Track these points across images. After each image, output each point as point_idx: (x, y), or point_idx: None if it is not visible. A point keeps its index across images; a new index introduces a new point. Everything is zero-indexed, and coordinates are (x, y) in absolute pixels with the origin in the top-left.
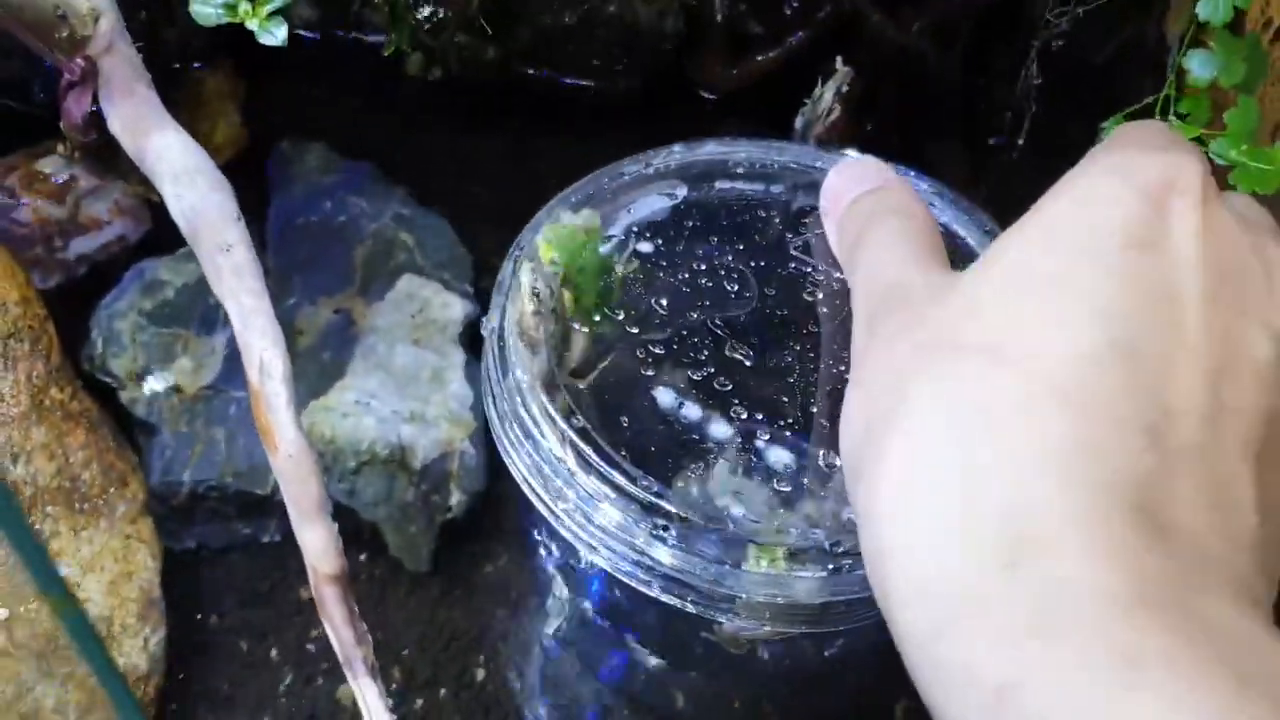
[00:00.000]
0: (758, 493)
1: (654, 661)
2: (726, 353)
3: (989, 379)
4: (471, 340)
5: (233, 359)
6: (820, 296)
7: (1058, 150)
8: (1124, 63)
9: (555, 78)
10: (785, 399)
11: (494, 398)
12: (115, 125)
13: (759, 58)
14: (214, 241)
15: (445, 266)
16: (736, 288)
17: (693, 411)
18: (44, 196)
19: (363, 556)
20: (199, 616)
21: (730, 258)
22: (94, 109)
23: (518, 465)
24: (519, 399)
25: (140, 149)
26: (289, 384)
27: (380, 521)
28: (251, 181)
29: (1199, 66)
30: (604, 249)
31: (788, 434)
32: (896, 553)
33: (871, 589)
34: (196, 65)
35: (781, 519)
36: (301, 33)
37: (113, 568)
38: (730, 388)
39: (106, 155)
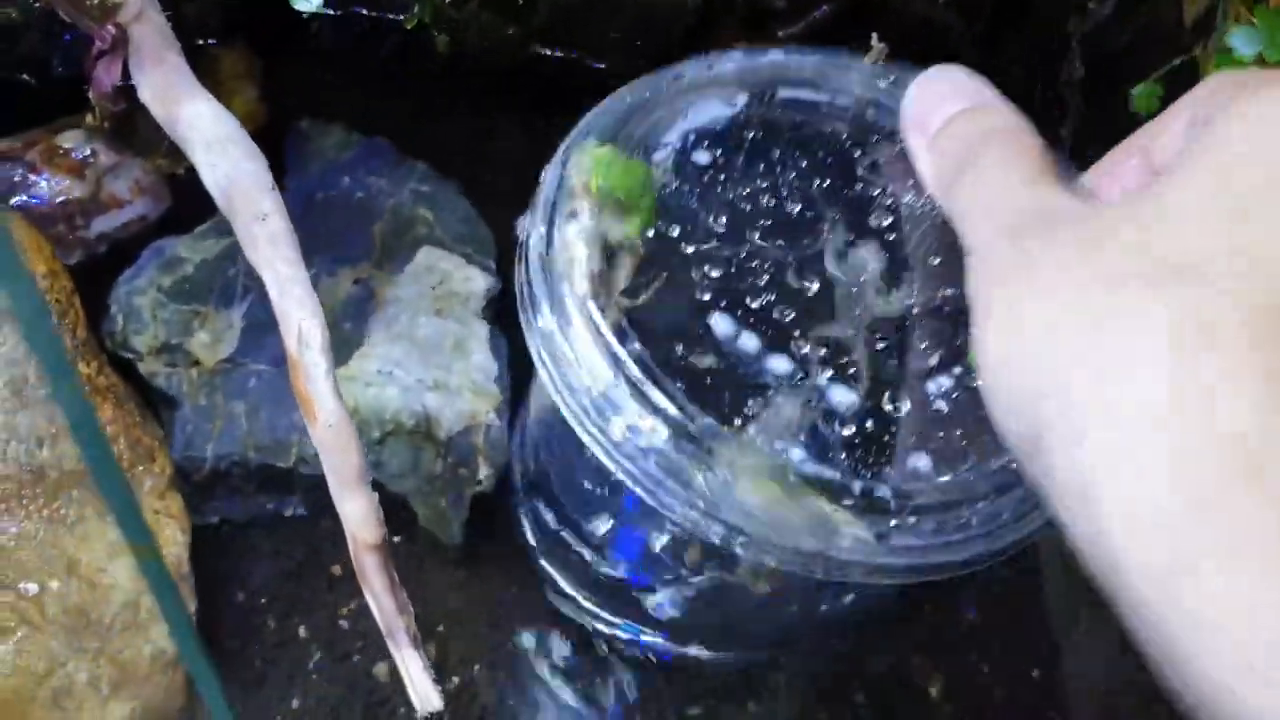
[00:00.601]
0: (817, 435)
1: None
2: (789, 280)
3: (1207, 300)
4: (495, 315)
5: (250, 332)
6: (892, 222)
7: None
8: (1143, 48)
9: (573, 58)
10: (851, 333)
11: (533, 314)
12: (146, 93)
13: (780, 33)
14: (250, 210)
15: (466, 241)
16: (799, 208)
17: (750, 343)
18: (64, 172)
19: (398, 534)
20: (225, 593)
21: (794, 175)
22: (124, 78)
23: (559, 390)
24: (564, 317)
25: (172, 117)
26: (327, 353)
27: (409, 493)
28: (269, 158)
29: (1243, 43)
30: (658, 156)
31: (852, 372)
32: (1123, 483)
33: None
34: (212, 42)
35: (843, 466)
36: (327, 10)
37: None
38: (792, 318)
39: (126, 131)
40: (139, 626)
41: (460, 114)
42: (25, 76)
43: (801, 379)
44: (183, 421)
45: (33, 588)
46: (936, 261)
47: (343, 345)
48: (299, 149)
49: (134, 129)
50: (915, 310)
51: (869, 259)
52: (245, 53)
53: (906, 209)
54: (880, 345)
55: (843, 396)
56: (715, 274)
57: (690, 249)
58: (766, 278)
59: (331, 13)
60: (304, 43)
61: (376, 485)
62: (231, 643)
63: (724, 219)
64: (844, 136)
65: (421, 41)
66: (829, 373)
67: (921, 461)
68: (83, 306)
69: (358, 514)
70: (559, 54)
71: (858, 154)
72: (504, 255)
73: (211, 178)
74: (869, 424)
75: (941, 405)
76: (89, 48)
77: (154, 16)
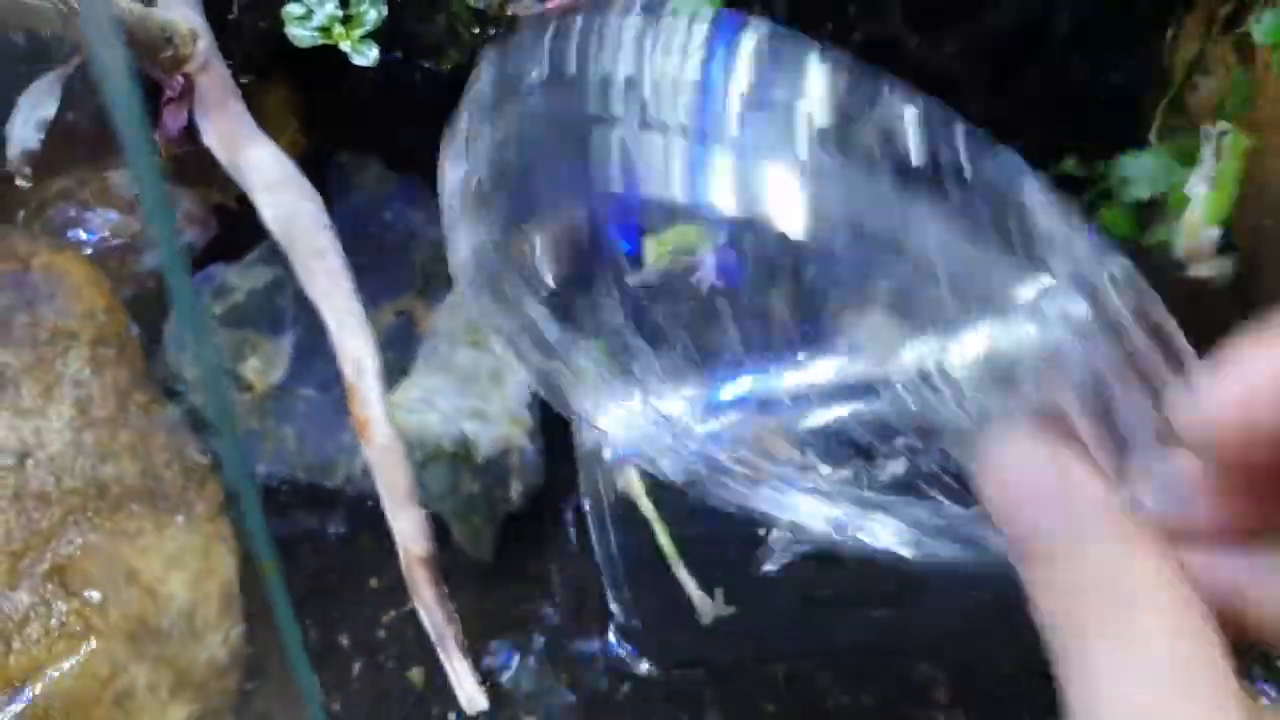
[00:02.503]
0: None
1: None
2: None
3: None
4: None
5: (300, 359)
6: None
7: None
8: (1135, 89)
9: None
10: None
11: None
12: (210, 139)
13: None
14: (308, 247)
15: None
16: None
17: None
18: (115, 208)
19: (437, 551)
20: (268, 606)
21: None
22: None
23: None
24: None
25: (234, 161)
26: (381, 380)
27: (446, 513)
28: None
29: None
30: None
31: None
32: None
33: None
34: (256, 79)
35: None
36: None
37: (194, 564)
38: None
39: (177, 166)
40: (195, 634)
41: None
42: (79, 117)
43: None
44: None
45: (97, 596)
46: None
47: (388, 374)
48: (341, 182)
49: (183, 163)
50: None
51: None
52: (289, 89)
53: None
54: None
55: None
56: None
57: None
58: None
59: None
60: (343, 82)
61: None
62: (276, 656)
63: None
64: None
65: (456, 78)
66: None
67: None
68: (138, 339)
69: (409, 529)
70: None
71: None
72: None
73: (272, 216)
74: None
75: None
76: (158, 95)
77: (218, 66)
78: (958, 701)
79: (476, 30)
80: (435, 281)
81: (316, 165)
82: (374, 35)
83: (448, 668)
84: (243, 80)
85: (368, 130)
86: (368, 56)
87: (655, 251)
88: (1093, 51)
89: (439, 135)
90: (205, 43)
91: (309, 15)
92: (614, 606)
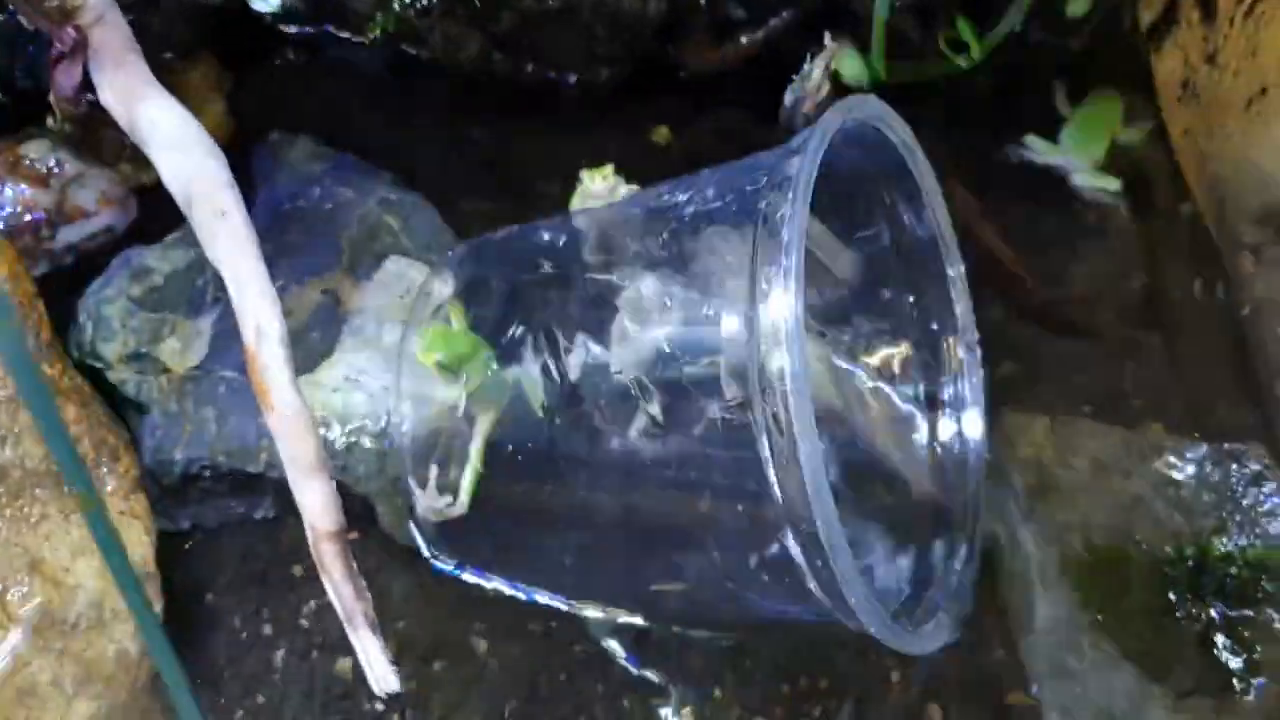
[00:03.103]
0: None
1: None
2: None
3: None
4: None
5: (219, 340)
6: None
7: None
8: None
9: (539, 71)
10: None
11: None
12: (106, 95)
13: (743, 39)
14: (209, 208)
15: (432, 249)
16: None
17: None
18: (29, 181)
19: (354, 534)
20: (194, 596)
21: None
22: (84, 80)
23: None
24: None
25: (132, 118)
26: (285, 344)
27: (372, 496)
28: (239, 171)
29: None
30: None
31: None
32: None
33: None
34: (180, 57)
35: None
36: (297, 28)
37: None
38: None
39: (92, 141)
40: (103, 626)
41: (427, 124)
42: None
43: None
44: (152, 427)
45: None
46: None
47: (311, 353)
48: (268, 161)
49: (99, 139)
50: None
51: None
52: (214, 67)
53: None
54: None
55: None
56: None
57: None
58: None
59: (300, 30)
60: (273, 57)
61: (342, 488)
62: (200, 642)
63: None
64: None
65: (389, 55)
66: None
67: None
68: (49, 314)
69: (316, 503)
70: (523, 63)
71: None
72: None
73: (171, 175)
74: None
75: None
76: (45, 59)
77: (114, 19)
78: None
79: None
80: (363, 259)
81: (246, 143)
82: None
83: (357, 647)
84: (165, 57)
85: (298, 106)
86: (269, 3)
87: None
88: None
89: (371, 109)
90: None
91: None
92: None
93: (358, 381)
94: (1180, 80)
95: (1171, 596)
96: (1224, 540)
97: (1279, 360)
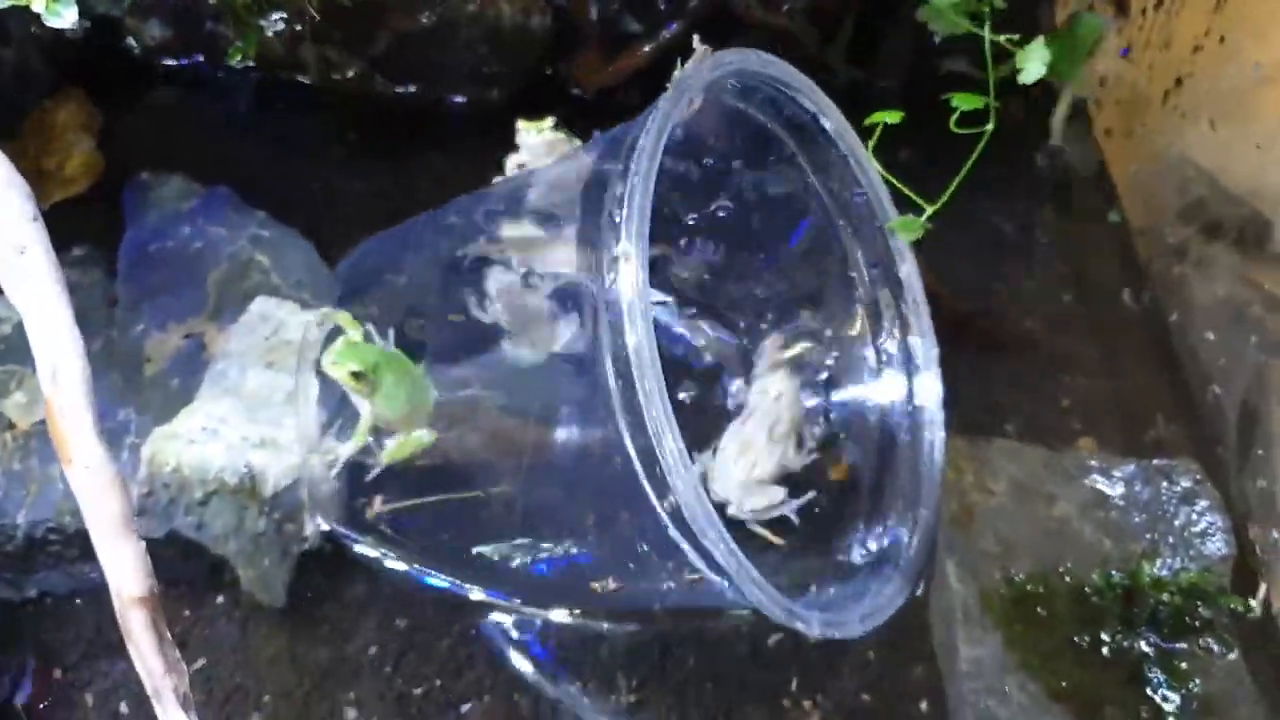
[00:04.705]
0: None
1: None
2: None
3: None
4: None
5: None
6: None
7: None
8: None
9: (424, 93)
10: None
11: None
12: None
13: (636, 53)
14: (7, 243)
15: (305, 286)
16: None
17: None
18: None
19: (219, 599)
20: (46, 670)
21: None
22: None
23: None
24: None
25: None
26: (86, 390)
27: (231, 556)
28: (108, 211)
29: None
30: None
31: None
32: None
33: None
34: (41, 94)
35: None
36: (165, 62)
37: None
38: None
39: None
40: None
41: (310, 155)
42: None
43: None
44: None
45: None
46: None
47: (169, 402)
48: (138, 200)
49: None
50: None
51: None
52: (82, 105)
53: None
54: None
55: None
56: None
57: None
58: None
59: (173, 63)
60: (146, 93)
61: (197, 549)
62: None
63: None
64: None
65: (266, 84)
66: None
67: None
68: None
69: (123, 565)
70: (407, 88)
71: None
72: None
73: None
74: None
75: None
76: None
77: None
78: None
79: (261, 20)
80: (231, 299)
81: (117, 182)
82: None
83: None
84: (29, 96)
85: (173, 142)
86: (63, 17)
87: None
88: None
89: (249, 141)
90: None
91: None
92: None
93: (216, 432)
94: (1098, 78)
95: (1101, 631)
96: (1155, 565)
97: (1209, 367)
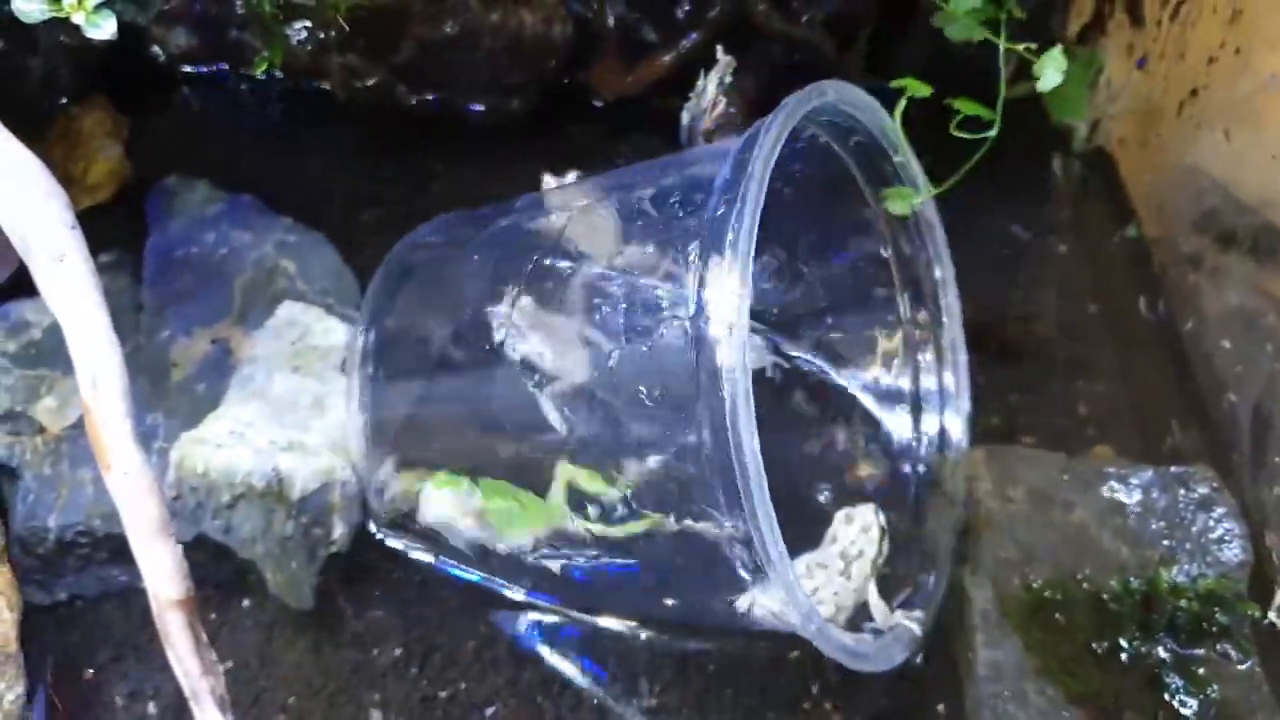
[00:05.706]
0: None
1: None
2: None
3: None
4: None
5: None
6: None
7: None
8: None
9: (446, 101)
10: None
11: None
12: None
13: (655, 62)
14: (47, 251)
15: (329, 291)
16: None
17: None
18: None
19: (246, 602)
20: (76, 671)
21: None
22: None
23: None
24: None
25: None
26: (125, 398)
27: (259, 559)
28: (134, 218)
29: None
30: None
31: None
32: None
33: None
34: (67, 101)
35: None
36: (190, 69)
37: None
38: None
39: None
40: None
41: (333, 162)
42: None
43: None
44: (24, 492)
45: None
46: None
47: (196, 407)
48: (163, 206)
49: None
50: None
51: None
52: (108, 111)
53: None
54: None
55: None
56: None
57: None
58: None
59: (198, 69)
60: (172, 99)
61: (225, 552)
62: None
63: None
64: None
65: (291, 91)
66: None
67: None
68: None
69: (159, 569)
70: (429, 93)
71: None
72: None
73: (6, 217)
74: None
75: None
76: None
77: None
78: None
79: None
80: (256, 305)
81: (143, 189)
82: (108, 4)
83: None
84: (60, 102)
85: (198, 149)
86: (103, 29)
87: None
88: None
89: (274, 148)
90: None
91: None
92: None
93: (243, 436)
94: (1111, 93)
95: (1119, 637)
96: (1173, 571)
97: (1224, 375)
